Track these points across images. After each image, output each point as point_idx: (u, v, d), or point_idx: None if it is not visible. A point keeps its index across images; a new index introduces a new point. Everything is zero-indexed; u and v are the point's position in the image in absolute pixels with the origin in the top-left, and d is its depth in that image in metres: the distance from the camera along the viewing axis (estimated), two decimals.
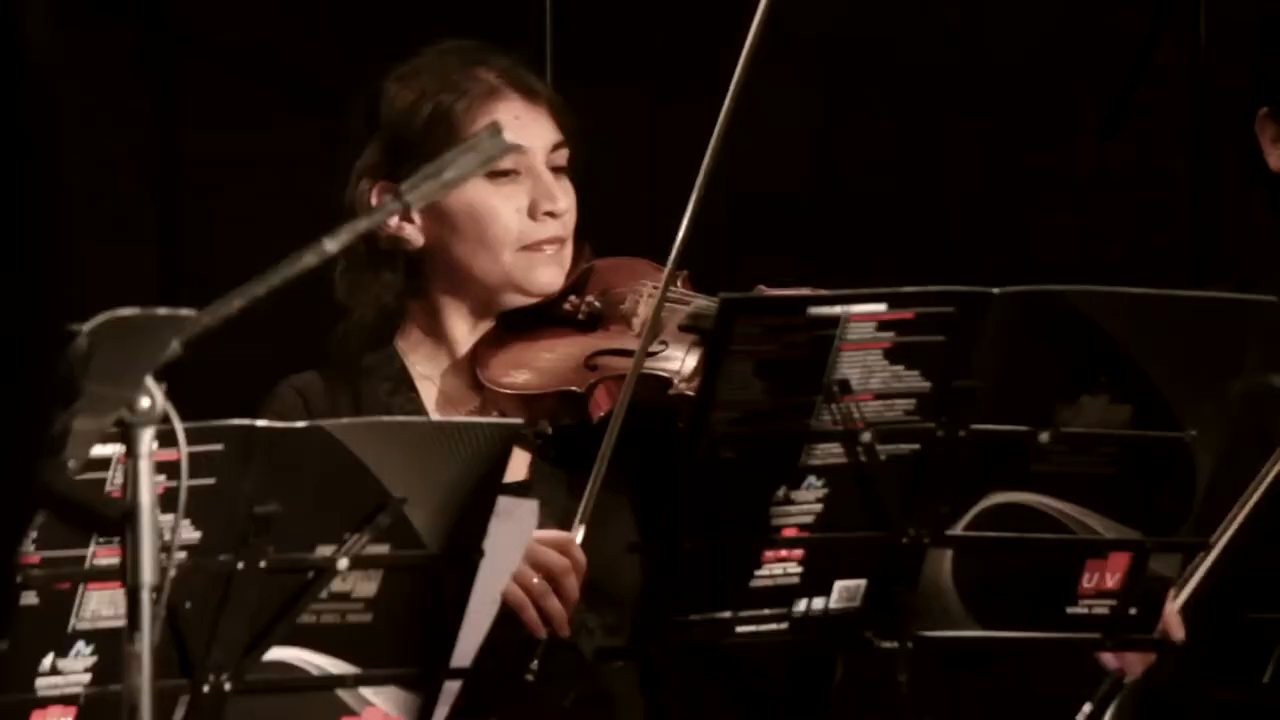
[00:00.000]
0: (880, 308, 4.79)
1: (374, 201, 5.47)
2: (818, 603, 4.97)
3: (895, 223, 7.66)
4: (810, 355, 4.77)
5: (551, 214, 5.54)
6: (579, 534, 5.26)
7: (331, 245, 4.42)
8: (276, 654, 4.46)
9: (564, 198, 5.57)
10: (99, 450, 3.99)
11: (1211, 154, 6.65)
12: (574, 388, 5.46)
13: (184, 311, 4.00)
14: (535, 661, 5.04)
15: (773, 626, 4.95)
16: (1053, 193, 7.52)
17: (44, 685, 4.23)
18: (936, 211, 7.98)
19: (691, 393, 5.21)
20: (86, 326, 3.76)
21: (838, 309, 4.75)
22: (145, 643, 3.87)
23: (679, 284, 5.48)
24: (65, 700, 4.25)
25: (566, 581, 5.16)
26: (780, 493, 4.85)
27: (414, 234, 5.54)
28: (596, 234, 5.81)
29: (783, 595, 4.91)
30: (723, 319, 4.81)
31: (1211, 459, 5.13)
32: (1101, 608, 5.09)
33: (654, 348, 5.36)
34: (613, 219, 5.89)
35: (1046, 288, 5.01)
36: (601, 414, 5.38)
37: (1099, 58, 7.74)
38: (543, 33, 6.99)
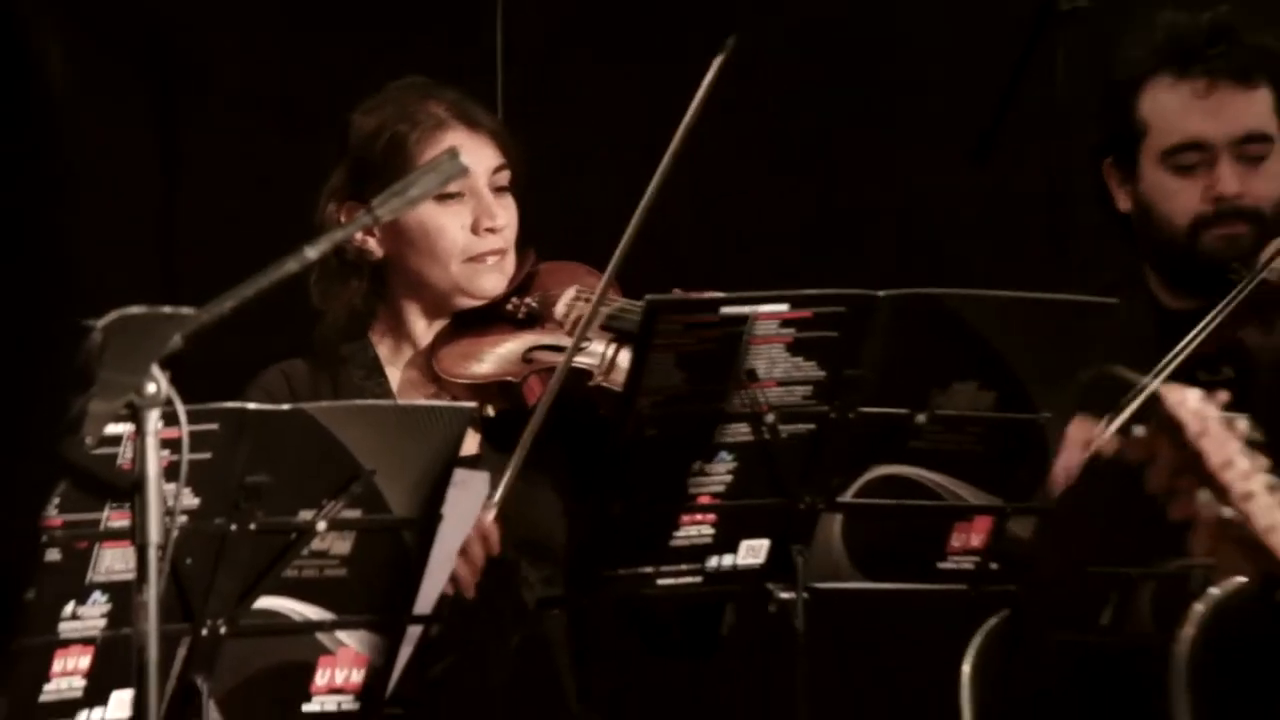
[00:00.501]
0: (783, 308, 4.90)
1: (341, 219, 5.48)
2: (727, 559, 5.08)
3: (798, 231, 7.49)
4: (722, 348, 4.89)
5: (492, 229, 5.58)
6: (492, 513, 5.23)
7: (312, 253, 4.62)
8: (264, 603, 4.52)
9: (503, 214, 5.62)
10: (112, 429, 4.05)
11: (1067, 181, 6.81)
12: (511, 378, 5.52)
13: (184, 310, 4.18)
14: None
15: (688, 580, 5.06)
16: (934, 208, 7.50)
17: (66, 629, 4.28)
18: (834, 221, 7.78)
19: (609, 385, 5.31)
20: (100, 322, 3.93)
21: (746, 309, 4.87)
22: (152, 593, 4.03)
23: (597, 289, 5.50)
24: (84, 641, 4.30)
25: (472, 549, 5.17)
26: (696, 465, 4.99)
27: (375, 247, 5.57)
28: (546, 239, 5.84)
29: (697, 553, 5.03)
30: (647, 318, 4.90)
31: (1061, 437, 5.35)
32: (967, 563, 5.27)
33: (591, 352, 5.41)
34: (563, 226, 6.05)
35: (925, 291, 5.11)
36: (533, 400, 5.41)
37: (975, 88, 7.44)
38: (494, 67, 6.87)
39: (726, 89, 6.01)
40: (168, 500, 4.14)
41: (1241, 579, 4.21)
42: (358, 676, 4.76)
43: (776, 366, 4.99)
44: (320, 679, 4.69)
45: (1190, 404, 3.92)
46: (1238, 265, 5.35)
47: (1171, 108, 5.98)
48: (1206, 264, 5.87)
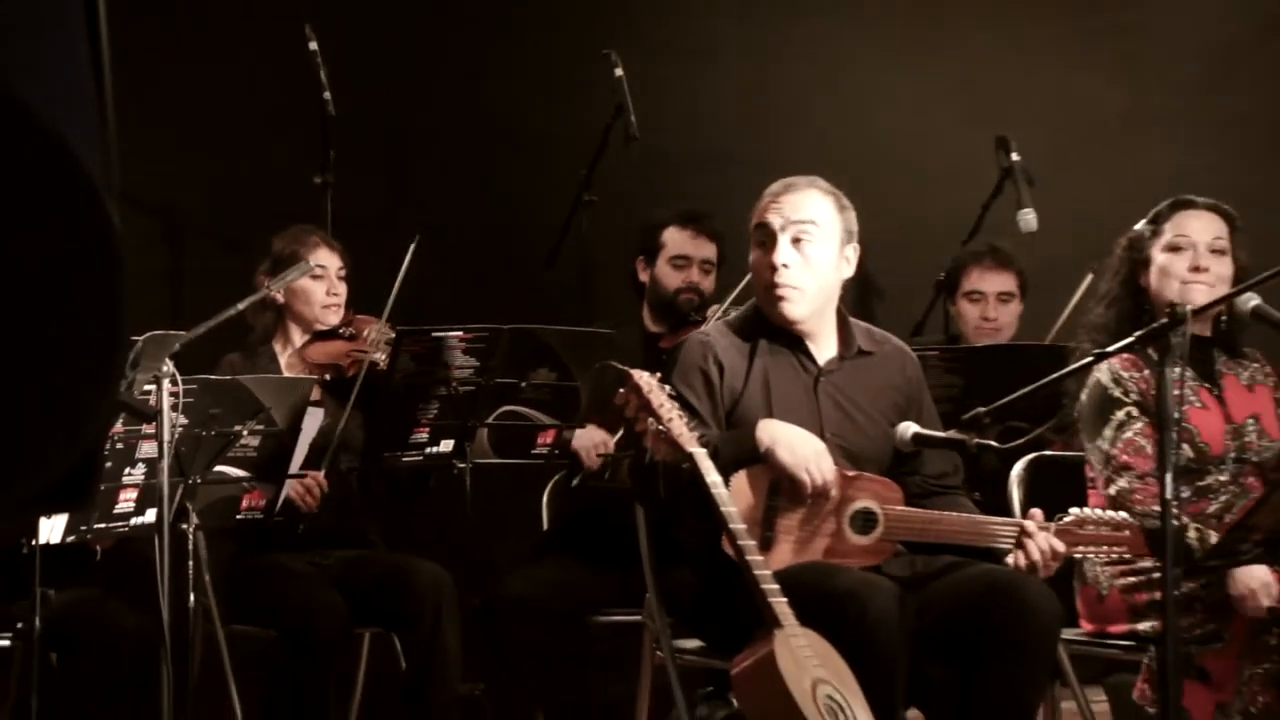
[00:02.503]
0: (459, 332, 5.17)
1: (265, 283, 5.52)
2: (438, 449, 5.28)
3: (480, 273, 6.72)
4: (433, 352, 5.16)
5: (335, 294, 5.70)
6: (321, 473, 5.40)
7: (242, 304, 5.27)
8: (218, 468, 4.88)
9: (342, 288, 5.71)
10: (147, 385, 4.47)
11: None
12: (341, 364, 5.61)
13: (180, 332, 4.67)
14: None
15: (417, 458, 5.28)
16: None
17: (125, 479, 4.58)
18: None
19: (383, 368, 5.39)
20: (140, 339, 4.46)
21: (444, 333, 5.15)
22: (165, 463, 4.51)
23: (381, 325, 5.55)
24: (133, 485, 4.62)
25: (307, 483, 5.31)
26: (421, 405, 5.25)
27: (278, 298, 5.64)
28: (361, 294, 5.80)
29: (421, 446, 5.28)
30: (397, 340, 5.22)
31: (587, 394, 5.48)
32: (544, 450, 5.52)
33: (377, 353, 5.44)
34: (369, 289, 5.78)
35: (529, 327, 5.34)
36: (349, 376, 5.53)
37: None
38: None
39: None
40: (172, 421, 4.55)
41: (669, 459, 4.25)
42: (260, 503, 5.07)
43: (458, 359, 5.21)
44: (245, 503, 5.03)
45: (644, 378, 4.28)
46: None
47: (674, 239, 6.08)
48: (680, 311, 6.02)
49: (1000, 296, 6.30)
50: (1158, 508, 4.33)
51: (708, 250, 6.07)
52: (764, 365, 4.56)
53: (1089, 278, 5.69)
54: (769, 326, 4.60)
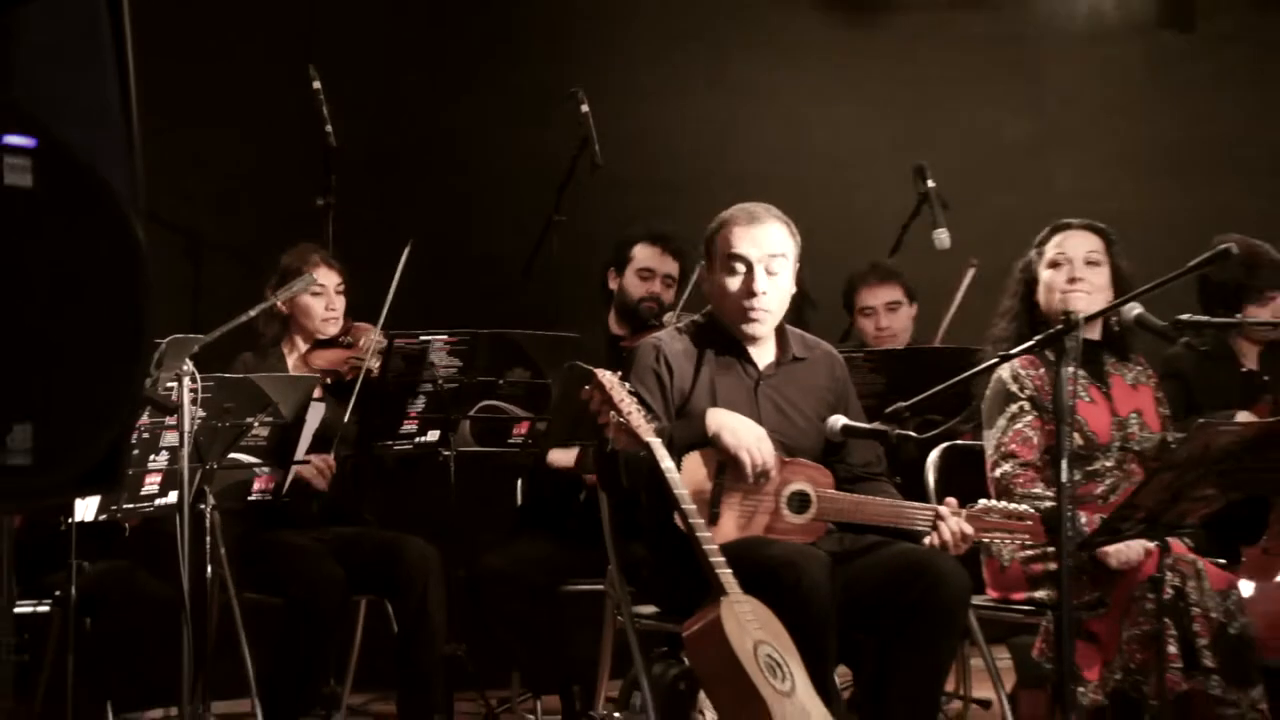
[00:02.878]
0: (444, 336, 5.19)
1: (271, 295, 5.49)
2: (426, 439, 5.33)
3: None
4: (420, 352, 5.19)
5: (332, 308, 5.68)
6: (330, 456, 5.43)
7: (254, 310, 5.29)
8: (232, 455, 4.85)
9: (340, 302, 5.70)
10: (169, 383, 4.46)
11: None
12: (340, 369, 5.62)
13: (198, 336, 4.66)
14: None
15: (407, 446, 5.30)
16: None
17: (150, 464, 4.58)
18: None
19: (376, 372, 5.40)
20: (163, 341, 4.45)
21: (429, 337, 5.19)
22: (185, 451, 4.51)
23: (376, 333, 5.49)
24: (158, 470, 4.60)
25: (316, 464, 5.35)
26: (409, 399, 5.25)
27: (283, 309, 5.63)
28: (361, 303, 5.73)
29: (411, 436, 5.33)
30: (387, 347, 5.23)
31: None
32: (519, 439, 5.49)
33: (371, 360, 5.40)
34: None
35: (506, 331, 5.35)
36: (349, 380, 5.53)
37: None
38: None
39: None
40: (191, 414, 4.55)
41: (628, 447, 4.24)
42: (269, 486, 5.05)
43: (443, 359, 5.23)
44: (256, 485, 5.02)
45: (607, 376, 4.28)
46: None
47: (643, 253, 6.09)
48: (641, 316, 6.02)
49: (888, 306, 6.38)
50: (1037, 490, 4.51)
51: (671, 266, 6.11)
52: (710, 371, 4.58)
53: (971, 271, 5.91)
54: (716, 336, 4.63)
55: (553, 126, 6.58)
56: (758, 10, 7.48)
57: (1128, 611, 4.42)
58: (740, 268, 4.55)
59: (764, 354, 4.67)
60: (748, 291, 4.52)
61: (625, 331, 6.03)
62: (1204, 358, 5.53)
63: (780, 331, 4.71)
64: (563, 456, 5.60)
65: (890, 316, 6.36)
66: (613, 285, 6.15)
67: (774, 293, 4.56)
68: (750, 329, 4.58)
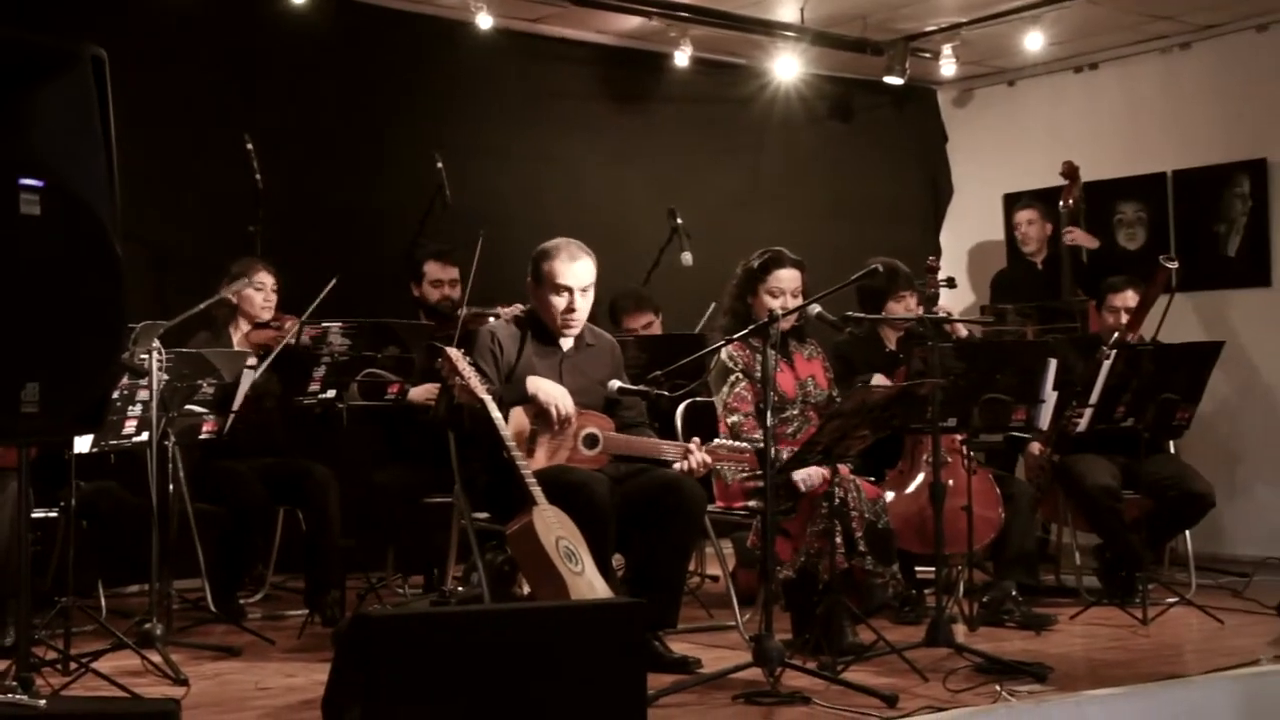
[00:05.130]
0: (339, 323, 4.95)
1: (226, 289, 5.31)
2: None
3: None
4: (325, 336, 4.95)
5: (268, 302, 5.45)
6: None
7: (207, 302, 5.09)
8: (188, 407, 4.64)
9: (274, 298, 5.47)
10: (142, 355, 4.26)
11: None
12: (271, 345, 5.14)
13: (164, 322, 4.51)
14: None
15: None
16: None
17: (128, 413, 4.39)
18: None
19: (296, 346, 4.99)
20: (138, 325, 4.29)
21: (335, 323, 4.94)
22: (154, 404, 4.35)
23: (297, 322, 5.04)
24: (133, 417, 4.40)
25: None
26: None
27: (232, 299, 5.35)
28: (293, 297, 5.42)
29: (316, 394, 4.96)
30: (301, 326, 4.92)
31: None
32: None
33: (290, 338, 4.95)
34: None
35: (383, 320, 5.11)
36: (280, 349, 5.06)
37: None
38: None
39: None
40: (159, 378, 4.36)
41: (469, 402, 4.11)
42: (215, 428, 4.81)
43: (338, 339, 4.95)
44: (205, 428, 4.78)
45: (452, 351, 4.20)
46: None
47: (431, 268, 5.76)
48: (441, 312, 5.68)
49: (644, 328, 6.24)
50: (756, 437, 4.49)
51: (453, 273, 5.85)
52: (530, 350, 4.50)
53: (712, 306, 5.67)
54: (536, 326, 4.54)
55: (418, 176, 6.38)
56: (556, 99, 7.33)
57: (809, 514, 4.43)
58: (564, 293, 4.46)
59: (568, 341, 4.59)
60: (568, 309, 4.45)
61: (434, 322, 5.72)
62: (861, 341, 5.51)
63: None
64: (420, 392, 5.40)
65: (646, 333, 6.16)
66: (416, 294, 5.89)
67: (583, 309, 4.50)
68: (567, 334, 4.53)
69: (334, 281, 5.01)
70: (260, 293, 5.48)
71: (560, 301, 4.46)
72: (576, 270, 4.44)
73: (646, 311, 6.23)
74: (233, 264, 5.49)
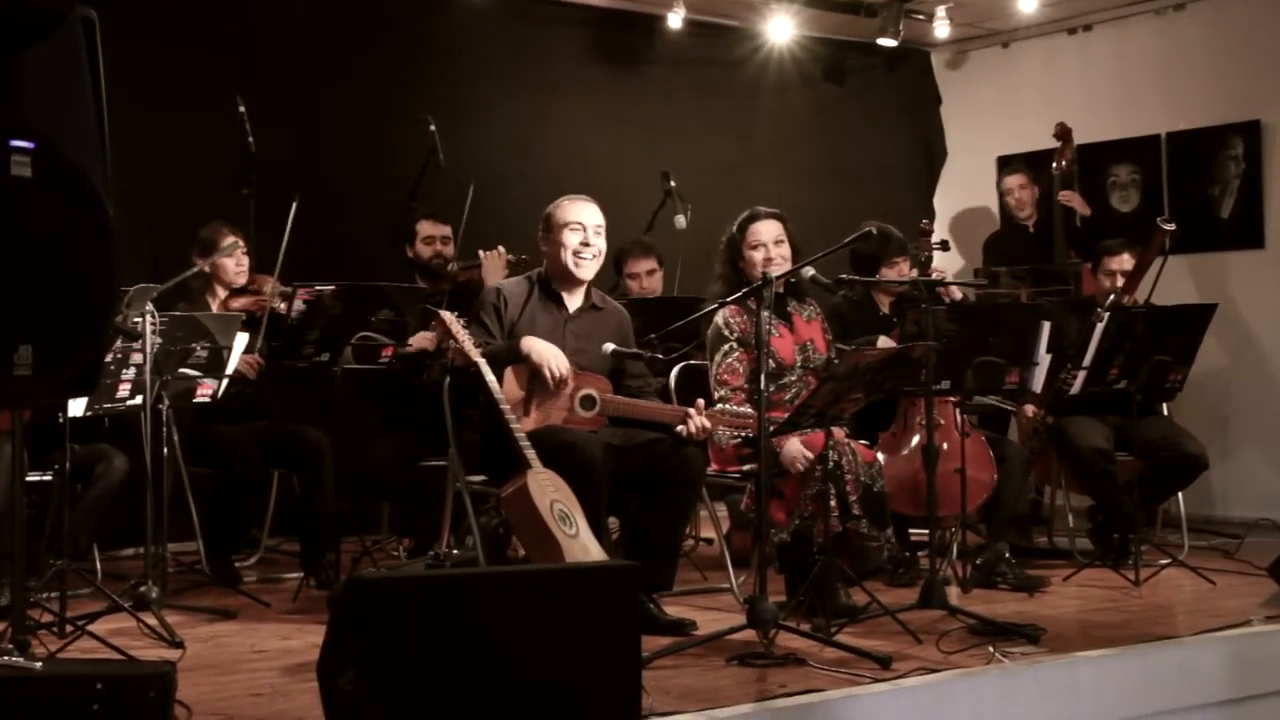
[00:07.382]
0: (333, 286, 4.88)
1: (202, 260, 5.30)
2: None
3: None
4: (320, 300, 4.85)
5: (240, 266, 5.42)
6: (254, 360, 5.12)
7: (186, 273, 5.07)
8: (181, 370, 4.66)
9: (246, 260, 5.44)
10: (136, 318, 4.25)
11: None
12: (252, 310, 5.28)
13: (155, 285, 4.46)
14: None
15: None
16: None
17: (122, 376, 4.40)
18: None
19: (280, 312, 5.10)
20: (131, 289, 4.28)
21: (329, 286, 4.88)
22: (148, 367, 4.36)
23: (274, 281, 5.18)
24: (128, 380, 4.42)
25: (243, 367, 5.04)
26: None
27: (204, 267, 5.30)
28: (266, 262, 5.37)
29: (310, 357, 4.93)
30: (293, 290, 4.92)
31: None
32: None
33: (276, 301, 5.12)
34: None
35: (377, 284, 5.06)
36: (259, 316, 5.24)
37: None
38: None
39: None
40: (152, 341, 4.37)
41: (463, 364, 4.16)
42: (208, 392, 4.80)
43: (332, 302, 4.88)
44: (199, 391, 4.78)
45: (447, 315, 4.23)
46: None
47: (423, 227, 5.78)
48: (434, 270, 5.68)
49: (647, 273, 6.27)
50: (746, 409, 4.41)
51: (445, 229, 5.86)
52: (533, 309, 4.49)
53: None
54: (543, 286, 4.53)
55: (411, 139, 6.29)
56: (549, 61, 7.28)
57: (803, 477, 4.41)
58: (578, 229, 4.46)
59: (574, 302, 4.57)
60: (583, 244, 4.44)
61: (427, 282, 5.72)
62: (855, 304, 5.50)
63: (588, 289, 4.63)
64: (419, 340, 5.34)
65: (649, 279, 6.22)
66: (410, 255, 5.88)
67: (596, 247, 4.49)
68: (579, 273, 4.47)
69: (295, 203, 5.00)
70: (230, 258, 5.42)
71: (574, 237, 4.44)
72: (587, 210, 4.47)
73: (650, 257, 6.22)
74: (201, 230, 5.45)
